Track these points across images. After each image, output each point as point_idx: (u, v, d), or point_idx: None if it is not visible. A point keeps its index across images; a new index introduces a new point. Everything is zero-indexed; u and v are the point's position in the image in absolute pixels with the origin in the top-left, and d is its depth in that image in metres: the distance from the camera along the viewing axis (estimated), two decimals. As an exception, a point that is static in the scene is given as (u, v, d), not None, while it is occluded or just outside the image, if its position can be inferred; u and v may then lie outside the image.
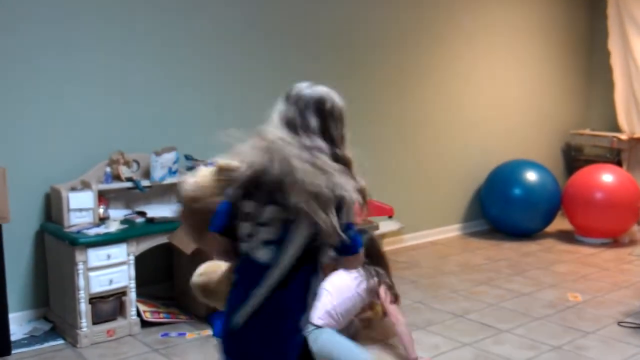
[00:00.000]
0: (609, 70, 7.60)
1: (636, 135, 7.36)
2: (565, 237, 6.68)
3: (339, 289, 3.65)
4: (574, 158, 7.81)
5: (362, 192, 2.07)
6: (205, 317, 4.32)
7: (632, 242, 6.39)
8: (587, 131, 7.77)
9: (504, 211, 6.57)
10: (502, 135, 7.17)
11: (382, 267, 3.82)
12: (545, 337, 4.08)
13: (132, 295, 4.08)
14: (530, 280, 5.25)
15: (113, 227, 4.02)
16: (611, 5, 7.53)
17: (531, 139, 7.49)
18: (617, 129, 7.55)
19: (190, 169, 4.56)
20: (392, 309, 3.75)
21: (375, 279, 3.74)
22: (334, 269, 2.37)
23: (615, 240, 6.41)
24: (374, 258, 3.76)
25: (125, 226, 4.11)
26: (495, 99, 7.07)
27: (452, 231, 6.75)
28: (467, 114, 6.78)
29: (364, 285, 3.71)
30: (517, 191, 6.41)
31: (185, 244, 4.01)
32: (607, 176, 6.27)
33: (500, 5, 6.98)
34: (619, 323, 4.30)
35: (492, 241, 6.56)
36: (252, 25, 5.14)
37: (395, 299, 3.78)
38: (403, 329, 3.71)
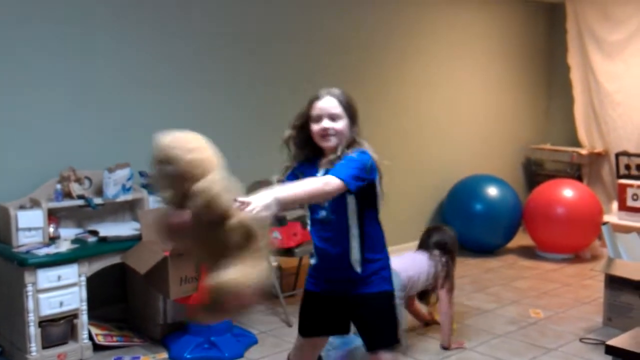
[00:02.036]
0: (569, 84, 7.83)
1: (596, 150, 7.59)
2: (527, 252, 6.85)
3: (416, 263, 4.26)
4: (535, 173, 8.00)
5: None
6: (160, 340, 4.33)
7: (593, 258, 6.56)
8: (548, 146, 7.97)
9: (466, 227, 6.68)
10: (463, 150, 7.32)
11: (452, 261, 4.43)
12: (507, 355, 4.19)
13: (84, 317, 4.05)
14: (492, 297, 5.37)
15: (64, 246, 4.00)
16: (570, 20, 7.77)
17: (492, 154, 7.66)
18: (577, 143, 7.77)
19: (145, 186, 4.58)
20: (444, 296, 4.31)
21: (443, 267, 4.34)
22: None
23: (576, 255, 6.58)
24: (449, 252, 4.42)
25: (77, 246, 4.09)
26: (455, 113, 7.22)
27: (414, 247, 6.83)
28: (426, 128, 6.91)
29: (433, 270, 4.28)
30: (478, 206, 6.54)
31: (140, 264, 4.01)
32: (568, 191, 6.46)
33: (459, 19, 7.14)
34: (581, 339, 4.43)
35: (454, 258, 6.67)
36: (215, 31, 5.17)
37: (451, 288, 4.33)
38: (445, 318, 4.28)
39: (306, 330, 2.89)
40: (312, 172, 2.67)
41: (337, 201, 2.60)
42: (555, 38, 8.12)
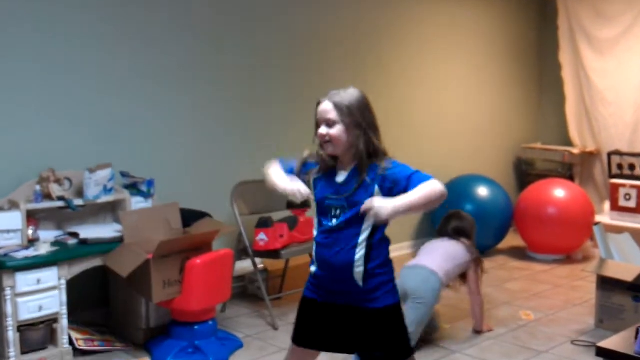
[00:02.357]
0: (560, 82, 7.84)
1: (588, 150, 7.60)
2: (518, 253, 6.84)
3: (449, 254, 4.42)
4: (526, 173, 8.01)
5: None
6: (143, 345, 4.29)
7: (585, 259, 6.55)
8: (539, 145, 7.98)
9: (456, 228, 6.68)
10: (452, 150, 7.31)
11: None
12: (497, 357, 4.17)
13: (64, 322, 4.00)
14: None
15: (43, 249, 3.95)
16: (562, 17, 7.78)
17: (482, 154, 7.65)
18: (569, 142, 7.78)
19: (127, 186, 4.54)
20: (474, 280, 4.51)
21: (475, 254, 4.54)
22: None
23: (568, 256, 6.58)
24: (469, 237, 4.64)
25: (57, 248, 4.04)
26: (444, 113, 7.21)
27: (402, 249, 6.83)
28: (415, 128, 6.90)
29: (469, 256, 4.47)
30: (468, 207, 6.51)
31: (122, 266, 3.97)
32: (559, 191, 6.45)
33: (448, 16, 7.14)
34: (573, 342, 4.41)
35: (444, 259, 6.67)
36: (191, 32, 5.15)
37: (481, 270, 4.56)
38: (476, 298, 4.54)
39: (300, 339, 2.80)
40: (328, 178, 2.65)
41: (355, 211, 2.55)
42: (547, 35, 8.13)
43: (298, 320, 2.81)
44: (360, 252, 2.58)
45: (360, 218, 2.55)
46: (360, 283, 2.59)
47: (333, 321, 2.71)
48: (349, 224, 2.59)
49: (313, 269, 2.74)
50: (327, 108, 2.61)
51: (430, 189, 2.45)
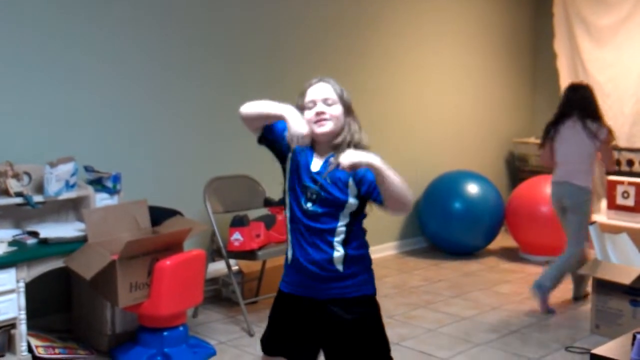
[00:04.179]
0: (555, 73, 7.89)
1: (584, 144, 7.65)
2: (509, 254, 6.89)
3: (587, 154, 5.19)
4: (518, 169, 8.06)
5: None
6: (108, 352, 4.28)
7: (580, 260, 6.59)
8: (532, 140, 8.02)
9: (444, 227, 6.73)
10: (441, 144, 7.35)
11: None
12: (487, 365, 4.21)
13: (23, 327, 3.97)
14: (471, 303, 5.40)
15: (0, 249, 3.92)
16: (557, 4, 7.83)
17: (472, 148, 7.69)
18: (563, 137, 7.82)
19: (91, 182, 4.52)
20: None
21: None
22: None
23: (562, 257, 6.63)
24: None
25: (15, 248, 4.01)
26: (432, 105, 7.25)
27: (387, 250, 6.87)
28: (401, 121, 6.93)
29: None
30: (457, 205, 6.57)
31: (85, 268, 3.95)
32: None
33: (436, 4, 7.17)
34: (567, 348, 4.46)
35: (431, 260, 6.72)
36: (159, 28, 5.15)
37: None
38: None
39: (268, 345, 2.82)
40: (306, 158, 2.66)
41: (333, 198, 2.58)
42: (541, 22, 8.18)
43: (269, 319, 2.84)
44: (338, 237, 2.62)
45: (341, 205, 2.60)
46: (340, 267, 2.63)
47: (303, 318, 2.72)
48: (327, 208, 2.61)
49: (288, 255, 2.78)
50: (325, 88, 2.70)
51: (407, 189, 2.48)
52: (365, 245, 2.71)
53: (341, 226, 2.62)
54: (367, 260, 2.71)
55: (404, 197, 2.48)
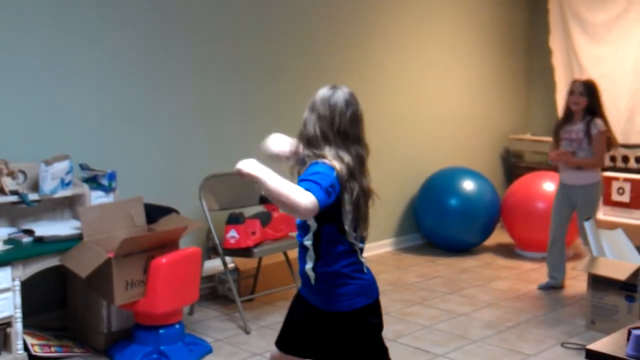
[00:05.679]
0: (550, 69, 7.89)
1: (579, 140, 7.65)
2: (505, 251, 6.88)
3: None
4: (514, 165, 8.06)
5: None
6: (104, 350, 4.27)
7: (576, 257, 6.61)
8: (528, 136, 8.03)
9: (439, 224, 6.72)
10: (437, 141, 7.34)
11: None
12: (483, 362, 4.20)
13: (18, 326, 3.96)
14: (467, 299, 5.39)
15: (-5, 248, 3.92)
16: (552, 1, 7.82)
17: (468, 145, 7.68)
18: (559, 133, 7.82)
19: (87, 180, 4.51)
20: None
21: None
22: None
23: (558, 254, 6.62)
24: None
25: (10, 247, 4.00)
26: (428, 101, 7.24)
27: (383, 247, 6.86)
28: (397, 118, 6.91)
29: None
30: (452, 202, 6.56)
31: (81, 266, 3.95)
32: (549, 185, 6.47)
33: (433, 2, 7.16)
34: (563, 344, 4.45)
35: (427, 257, 6.71)
36: (152, 24, 5.12)
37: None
38: None
39: (281, 342, 2.89)
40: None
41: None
42: (536, 19, 8.18)
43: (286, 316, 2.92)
44: (309, 252, 2.67)
45: (304, 224, 2.66)
46: (312, 281, 2.69)
47: (307, 321, 2.79)
48: (299, 227, 2.72)
49: None
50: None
51: (290, 192, 2.39)
52: (336, 264, 2.65)
53: (307, 240, 2.66)
54: (340, 278, 2.65)
55: (285, 202, 2.40)
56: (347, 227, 2.59)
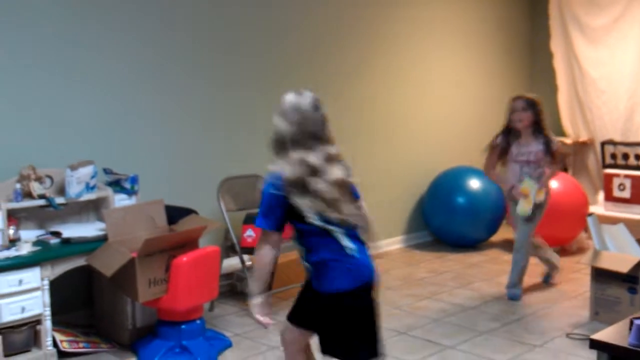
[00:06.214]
0: (551, 72, 7.93)
1: (581, 139, 7.69)
2: (510, 246, 6.81)
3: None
4: (518, 164, 8.07)
5: None
6: (129, 345, 4.33)
7: (579, 250, 6.65)
8: (531, 135, 8.05)
9: (448, 221, 6.78)
10: (444, 141, 7.39)
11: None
12: (491, 352, 4.25)
13: (48, 323, 4.02)
14: (475, 293, 5.45)
15: (24, 249, 3.97)
16: (553, 5, 7.86)
17: (473, 145, 7.68)
18: (561, 132, 7.86)
19: (110, 184, 4.58)
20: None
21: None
22: None
23: (562, 248, 6.64)
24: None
25: (39, 248, 4.06)
26: (434, 103, 7.28)
27: (394, 244, 6.92)
28: (406, 120, 6.97)
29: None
30: (460, 200, 6.62)
31: (106, 265, 4.01)
32: (552, 182, 6.51)
33: (433, 3, 7.20)
34: (568, 335, 4.51)
35: (436, 253, 6.77)
36: (171, 28, 5.19)
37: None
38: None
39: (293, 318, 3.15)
40: None
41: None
42: (537, 23, 8.21)
43: None
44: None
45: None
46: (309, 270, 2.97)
47: None
48: None
49: None
50: None
51: (256, 262, 2.99)
52: (319, 251, 2.86)
53: (294, 239, 2.97)
54: (324, 262, 2.85)
55: (260, 263, 2.99)
56: (310, 218, 2.77)
